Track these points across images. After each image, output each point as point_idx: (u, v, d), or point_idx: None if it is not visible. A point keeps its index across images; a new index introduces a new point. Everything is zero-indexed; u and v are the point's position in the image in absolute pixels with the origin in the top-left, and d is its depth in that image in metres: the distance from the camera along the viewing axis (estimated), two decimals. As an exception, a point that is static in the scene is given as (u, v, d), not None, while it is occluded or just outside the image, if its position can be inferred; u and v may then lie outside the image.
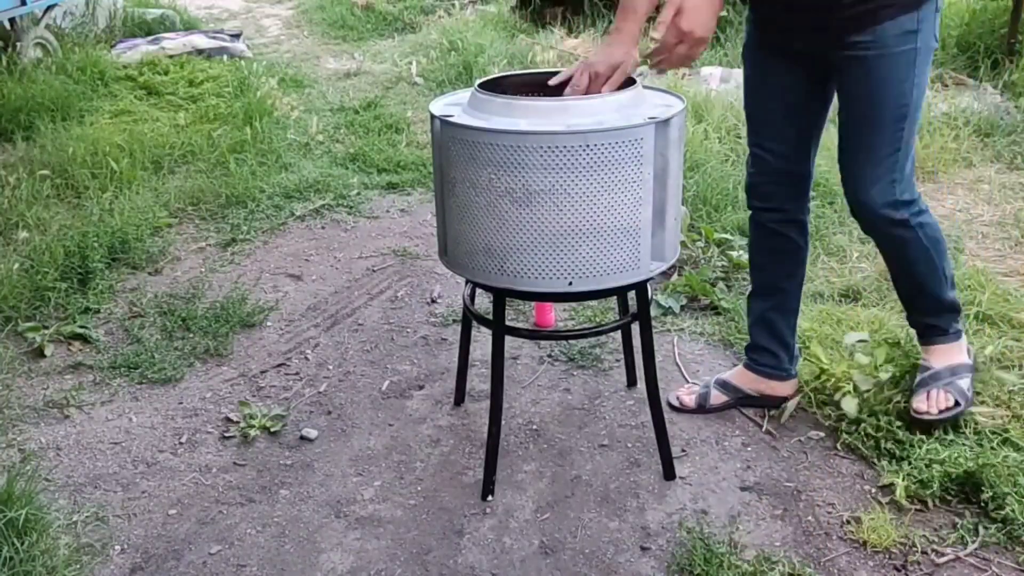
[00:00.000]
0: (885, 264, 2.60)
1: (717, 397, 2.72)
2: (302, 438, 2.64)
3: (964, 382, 2.50)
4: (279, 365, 3.04)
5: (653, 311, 3.27)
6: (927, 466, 2.35)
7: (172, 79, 6.36)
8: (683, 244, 3.56)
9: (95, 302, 3.37)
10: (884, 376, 2.67)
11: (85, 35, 7.43)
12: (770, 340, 2.67)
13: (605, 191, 2.02)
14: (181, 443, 2.63)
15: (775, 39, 2.37)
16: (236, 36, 8.20)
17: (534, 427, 2.67)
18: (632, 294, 2.36)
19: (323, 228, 4.16)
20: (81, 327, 3.20)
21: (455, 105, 2.24)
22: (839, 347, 2.94)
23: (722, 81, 6.25)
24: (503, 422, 2.67)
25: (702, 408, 2.71)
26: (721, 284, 3.43)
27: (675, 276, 3.48)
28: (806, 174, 2.52)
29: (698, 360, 3.02)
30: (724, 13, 6.79)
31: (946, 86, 5.63)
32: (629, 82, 2.24)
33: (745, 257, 3.47)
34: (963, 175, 4.50)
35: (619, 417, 2.71)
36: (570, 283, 2.09)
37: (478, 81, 2.29)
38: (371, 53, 7.85)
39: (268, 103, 5.63)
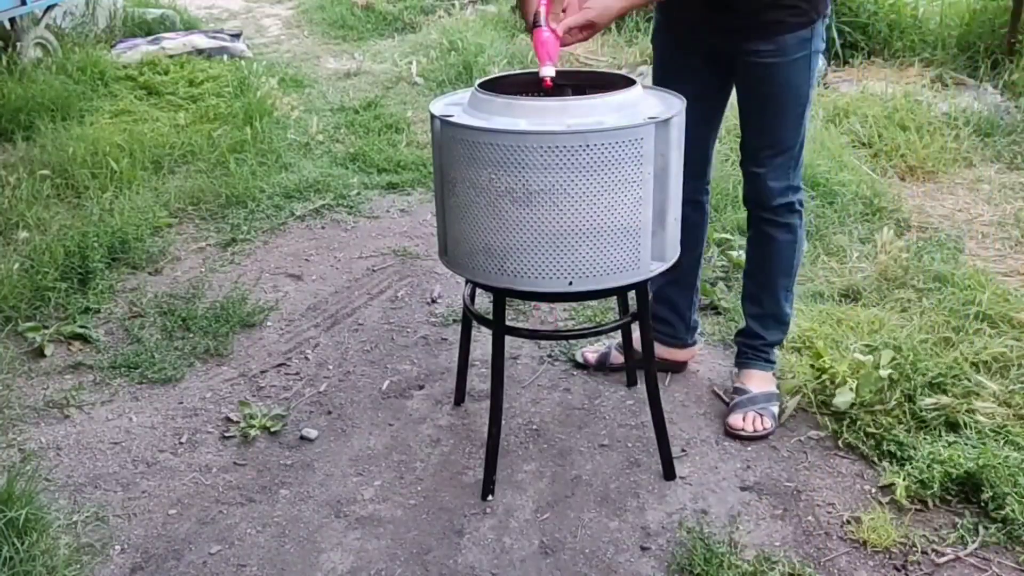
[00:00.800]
0: (747, 257, 2.78)
1: (616, 357, 2.92)
2: (302, 438, 2.64)
3: (775, 408, 2.67)
4: (279, 365, 3.04)
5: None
6: (928, 466, 2.35)
7: (172, 79, 6.35)
8: (683, 244, 3.55)
9: (95, 302, 3.37)
10: (884, 375, 2.67)
11: (85, 35, 7.42)
12: (669, 312, 2.84)
13: (605, 191, 2.02)
14: (181, 443, 2.63)
15: (683, 34, 2.54)
16: (236, 36, 8.20)
17: (534, 427, 2.67)
18: (632, 294, 2.35)
19: (323, 228, 4.16)
20: (81, 327, 3.20)
21: (455, 105, 2.24)
22: (839, 347, 2.95)
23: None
24: (503, 422, 2.67)
25: (602, 366, 2.93)
26: (721, 284, 3.43)
27: (675, 276, 3.48)
28: (704, 159, 2.71)
29: (697, 360, 3.02)
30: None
31: (946, 86, 5.64)
32: (628, 82, 2.24)
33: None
34: (963, 175, 4.50)
35: (619, 417, 2.71)
36: (570, 283, 2.09)
37: (478, 81, 2.29)
38: (371, 53, 7.84)
39: (268, 103, 5.63)
